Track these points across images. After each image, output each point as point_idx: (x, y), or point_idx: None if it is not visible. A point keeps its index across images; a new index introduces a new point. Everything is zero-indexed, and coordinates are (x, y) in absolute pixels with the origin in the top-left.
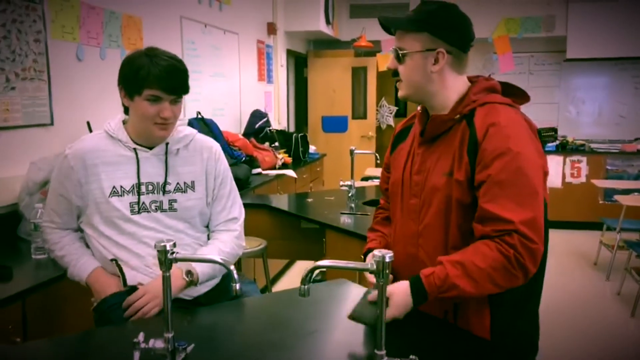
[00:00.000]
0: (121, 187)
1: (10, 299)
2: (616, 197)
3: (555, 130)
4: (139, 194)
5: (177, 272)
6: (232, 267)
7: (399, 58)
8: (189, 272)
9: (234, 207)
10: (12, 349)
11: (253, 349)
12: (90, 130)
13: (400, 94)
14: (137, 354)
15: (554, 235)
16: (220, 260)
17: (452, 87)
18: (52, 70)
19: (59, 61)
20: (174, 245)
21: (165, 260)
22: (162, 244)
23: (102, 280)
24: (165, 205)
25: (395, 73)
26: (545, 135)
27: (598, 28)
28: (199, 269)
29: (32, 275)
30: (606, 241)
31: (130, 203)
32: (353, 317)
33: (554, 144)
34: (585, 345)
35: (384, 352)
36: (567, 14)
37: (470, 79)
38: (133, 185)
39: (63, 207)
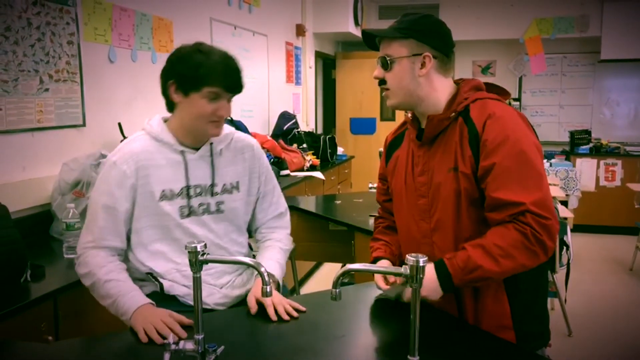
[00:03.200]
0: (170, 190)
1: (43, 297)
2: None
3: (589, 132)
4: (188, 197)
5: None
6: (262, 269)
7: (387, 65)
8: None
9: (280, 201)
10: (45, 347)
11: (282, 352)
12: (122, 131)
13: (389, 102)
14: (167, 355)
15: (589, 239)
16: (250, 262)
17: (441, 89)
18: (84, 72)
19: (91, 63)
20: (205, 246)
21: (196, 261)
22: (193, 244)
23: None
24: (213, 208)
25: (382, 82)
26: (579, 138)
27: (633, 28)
28: (276, 273)
29: (64, 274)
30: None
31: (179, 207)
32: (380, 297)
33: (588, 146)
34: (619, 353)
35: (417, 358)
36: (602, 13)
37: (454, 82)
38: (182, 188)
39: (111, 222)
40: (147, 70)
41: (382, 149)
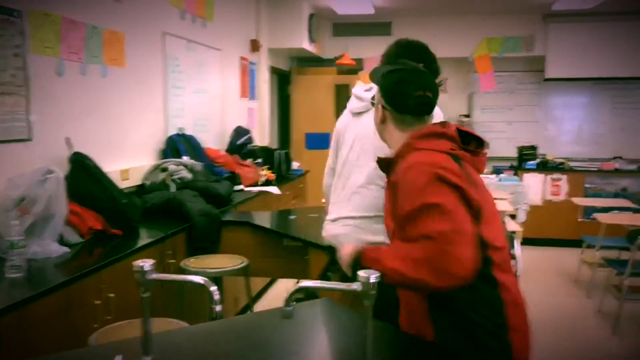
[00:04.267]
0: None
1: None
2: (595, 215)
3: (535, 148)
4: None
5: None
6: (212, 288)
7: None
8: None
9: None
10: None
11: None
12: (69, 146)
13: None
14: None
15: (537, 252)
16: (202, 282)
17: (397, 141)
18: (32, 85)
19: (38, 76)
20: (153, 265)
21: (143, 281)
22: (140, 264)
23: None
24: None
25: None
26: (526, 154)
27: (576, 48)
28: None
29: (6, 294)
30: (586, 259)
31: None
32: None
33: (535, 162)
34: None
35: None
36: (547, 34)
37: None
38: None
39: None
40: (97, 84)
41: None
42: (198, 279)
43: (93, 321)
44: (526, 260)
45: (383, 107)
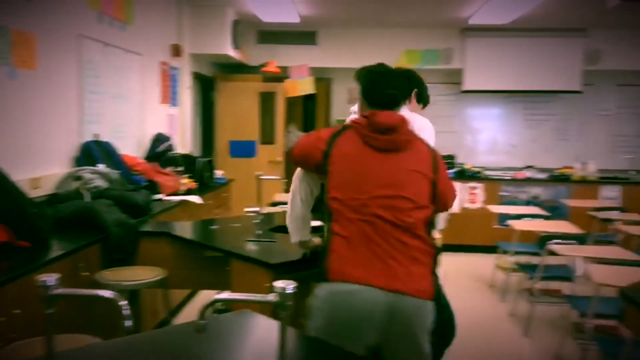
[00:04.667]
0: None
1: None
2: (509, 222)
3: (453, 157)
4: None
5: None
6: (122, 302)
7: None
8: None
9: None
10: None
11: None
12: None
13: None
14: None
15: (455, 258)
16: (110, 296)
17: None
18: None
19: None
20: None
21: (47, 297)
22: (43, 279)
23: None
24: None
25: None
26: (445, 163)
27: (492, 62)
28: None
29: None
30: (501, 264)
31: None
32: None
33: (453, 170)
34: None
35: None
36: (464, 47)
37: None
38: None
39: None
40: (4, 87)
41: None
42: (106, 293)
43: None
44: (444, 266)
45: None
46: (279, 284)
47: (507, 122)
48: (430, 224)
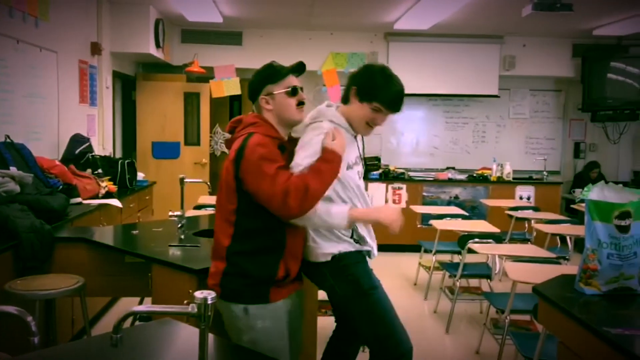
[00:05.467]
0: (352, 161)
1: None
2: (431, 221)
3: (379, 159)
4: (364, 165)
5: None
6: (28, 318)
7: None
8: None
9: None
10: None
11: None
12: None
13: (303, 117)
14: None
15: (379, 258)
16: (14, 312)
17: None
18: None
19: None
20: None
21: None
22: None
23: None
24: (362, 172)
25: (303, 103)
26: (370, 164)
27: (415, 66)
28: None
29: None
30: (424, 263)
31: (357, 171)
32: None
33: (378, 172)
34: None
35: None
36: (388, 51)
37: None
38: (356, 157)
39: None
40: None
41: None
42: (10, 309)
43: None
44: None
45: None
46: (199, 294)
47: (429, 125)
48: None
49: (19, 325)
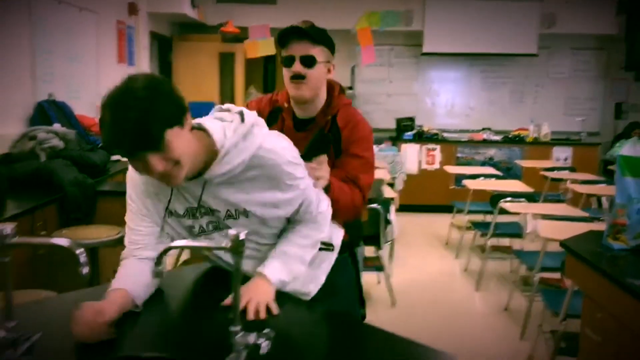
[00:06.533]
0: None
1: None
2: (464, 181)
3: (413, 119)
4: None
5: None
6: (78, 251)
7: (311, 64)
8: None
9: None
10: None
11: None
12: None
13: (305, 94)
14: None
15: (412, 218)
16: (66, 244)
17: (323, 92)
18: None
19: None
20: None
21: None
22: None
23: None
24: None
25: (301, 77)
26: (404, 125)
27: (451, 25)
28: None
29: None
30: (456, 223)
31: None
32: None
33: (412, 133)
34: (437, 317)
35: (239, 327)
36: (424, 10)
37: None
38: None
39: None
40: None
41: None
42: (62, 241)
43: None
44: (403, 226)
45: (332, 64)
46: (232, 230)
47: (465, 85)
48: None
49: (65, 267)
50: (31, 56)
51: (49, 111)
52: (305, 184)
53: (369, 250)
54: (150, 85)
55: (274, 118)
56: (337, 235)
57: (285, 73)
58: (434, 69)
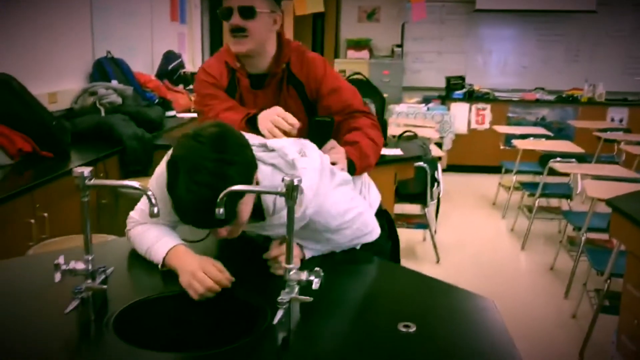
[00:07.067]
0: None
1: None
2: (514, 141)
3: (463, 78)
4: None
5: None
6: (149, 192)
7: (251, 16)
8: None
9: None
10: None
11: (170, 275)
12: None
13: (244, 48)
14: (58, 275)
15: (460, 178)
16: (138, 185)
17: (272, 44)
18: None
19: None
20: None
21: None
22: (80, 170)
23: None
24: None
25: (240, 29)
26: (454, 84)
27: None
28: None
29: None
30: (504, 183)
31: None
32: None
33: (462, 92)
34: (481, 275)
35: (292, 265)
36: None
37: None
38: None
39: None
40: (21, 1)
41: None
42: (134, 183)
43: (28, 239)
44: (450, 185)
45: (278, 15)
46: (287, 177)
47: (518, 43)
48: None
49: (125, 216)
50: (90, 13)
51: (107, 67)
52: (352, 217)
53: (414, 208)
54: (220, 156)
55: (232, 86)
56: (375, 199)
57: (226, 27)
58: (486, 26)
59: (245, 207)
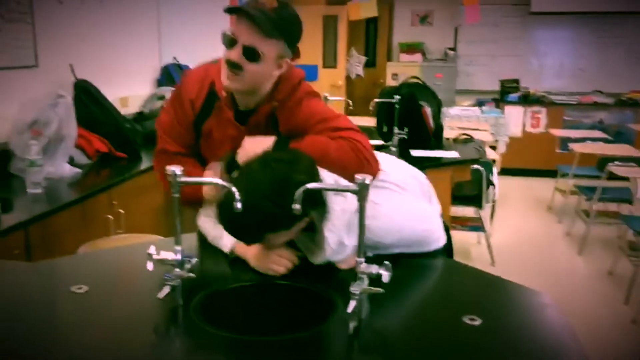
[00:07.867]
0: None
1: (14, 227)
2: (570, 145)
3: (517, 81)
4: None
5: None
6: (233, 188)
7: (254, 58)
8: None
9: None
10: (27, 265)
11: (239, 263)
12: (74, 73)
13: (234, 86)
14: (150, 264)
15: (514, 181)
16: (224, 183)
17: (269, 85)
18: (35, 12)
19: (40, 3)
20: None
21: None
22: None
23: None
24: None
25: (237, 66)
26: (508, 87)
27: None
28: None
29: (30, 207)
30: (560, 187)
31: None
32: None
33: (517, 95)
34: (535, 278)
35: (363, 259)
36: None
37: None
38: None
39: None
40: (94, 11)
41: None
42: (218, 181)
43: (107, 233)
44: (504, 188)
45: (285, 61)
46: (359, 176)
47: (575, 45)
48: None
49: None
50: (157, 22)
51: (174, 73)
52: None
53: (469, 211)
54: (280, 179)
55: (207, 111)
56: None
57: (223, 53)
58: (541, 28)
59: (302, 223)
